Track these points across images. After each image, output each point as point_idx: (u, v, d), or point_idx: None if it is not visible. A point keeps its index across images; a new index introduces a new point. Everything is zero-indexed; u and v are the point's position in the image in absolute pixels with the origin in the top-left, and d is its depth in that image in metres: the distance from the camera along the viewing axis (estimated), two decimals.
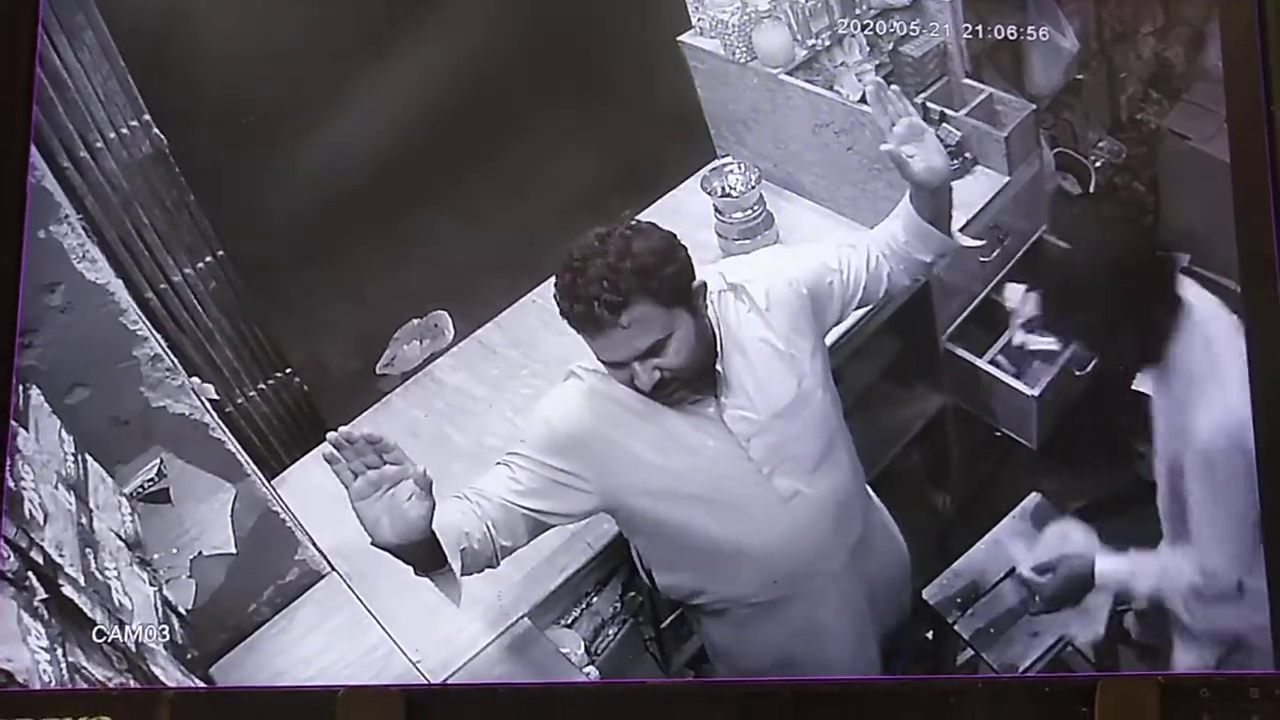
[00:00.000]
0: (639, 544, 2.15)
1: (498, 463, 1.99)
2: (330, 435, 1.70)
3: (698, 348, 1.92)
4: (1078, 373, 2.67)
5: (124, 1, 2.06)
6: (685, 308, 1.89)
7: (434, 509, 1.75)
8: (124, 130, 2.11)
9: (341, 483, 1.72)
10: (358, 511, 1.73)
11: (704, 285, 1.94)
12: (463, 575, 1.87)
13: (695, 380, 1.94)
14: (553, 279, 1.89)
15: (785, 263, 2.09)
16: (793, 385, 2.01)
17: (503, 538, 1.92)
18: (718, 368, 1.97)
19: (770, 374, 2.00)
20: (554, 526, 2.03)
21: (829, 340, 2.18)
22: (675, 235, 1.92)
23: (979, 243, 2.29)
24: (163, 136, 2.14)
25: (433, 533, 1.77)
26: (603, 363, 1.92)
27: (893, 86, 2.05)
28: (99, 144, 2.08)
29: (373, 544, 1.76)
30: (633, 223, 1.91)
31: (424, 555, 1.81)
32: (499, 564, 1.94)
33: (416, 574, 1.85)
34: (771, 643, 2.18)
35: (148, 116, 2.13)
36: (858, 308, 2.17)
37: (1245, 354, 2.13)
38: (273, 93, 2.28)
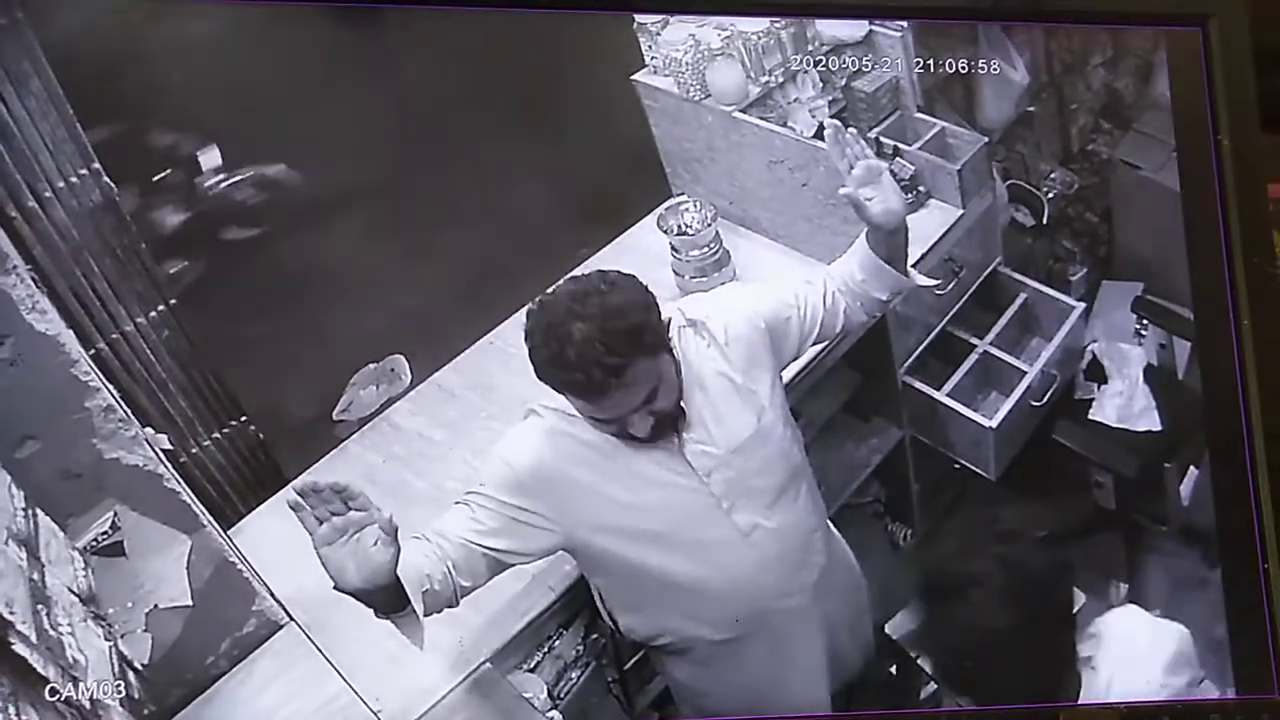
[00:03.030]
0: (600, 584, 2.14)
1: (457, 502, 1.98)
2: (295, 483, 1.70)
3: (678, 385, 1.93)
4: (1034, 404, 2.69)
5: (72, 49, 2.04)
6: (665, 350, 1.89)
7: (399, 554, 1.74)
8: (73, 179, 2.08)
9: (306, 529, 1.71)
10: (322, 557, 1.72)
11: (670, 321, 1.93)
12: (424, 617, 1.86)
13: (666, 417, 1.94)
14: (529, 350, 1.86)
15: (744, 299, 2.09)
16: (752, 420, 2.01)
17: (463, 578, 1.92)
18: (680, 403, 1.96)
19: (729, 409, 2.00)
20: (514, 565, 2.01)
21: (788, 374, 2.19)
22: (638, 278, 1.91)
23: (934, 281, 2.30)
24: (112, 185, 2.12)
25: (397, 577, 1.76)
26: (595, 420, 1.91)
27: (850, 129, 2.06)
28: (47, 193, 2.04)
29: (335, 588, 1.75)
30: (603, 278, 1.88)
31: (387, 599, 1.80)
32: (458, 603, 1.93)
33: (377, 616, 1.84)
34: (735, 681, 2.18)
35: (97, 165, 2.10)
36: (815, 343, 2.17)
37: None
38: (224, 137, 2.26)
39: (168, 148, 2.22)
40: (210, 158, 2.27)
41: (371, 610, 1.83)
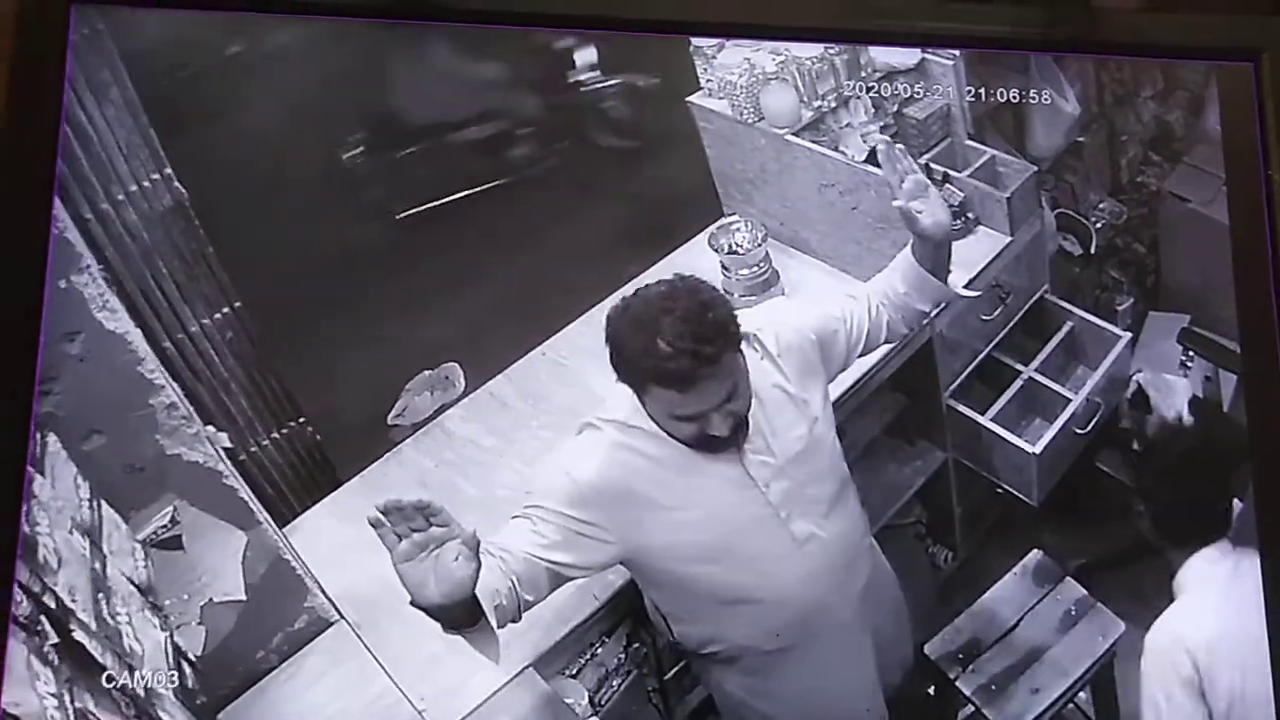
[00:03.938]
0: (655, 594, 2.17)
1: (516, 516, 1.99)
2: (378, 503, 1.70)
3: (750, 390, 1.97)
4: (1078, 431, 2.69)
5: (149, 59, 2.10)
6: (741, 352, 1.94)
7: (480, 569, 1.75)
8: (145, 183, 2.14)
9: (385, 546, 1.71)
10: (400, 573, 1.72)
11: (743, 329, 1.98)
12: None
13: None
14: (613, 350, 1.92)
15: (793, 312, 2.15)
16: (804, 431, 2.04)
17: (526, 592, 1.92)
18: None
19: (783, 420, 2.04)
20: (573, 579, 2.03)
21: (833, 393, 2.22)
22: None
23: (975, 293, 2.34)
24: (183, 190, 2.18)
25: (475, 593, 1.77)
26: (675, 419, 1.94)
27: (898, 145, 2.11)
28: (121, 197, 2.10)
29: (412, 604, 1.75)
30: (681, 279, 1.95)
31: (462, 614, 1.80)
32: (520, 619, 1.94)
33: (446, 631, 1.84)
34: (783, 693, 2.20)
35: (169, 170, 2.16)
36: (859, 355, 2.23)
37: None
38: (292, 146, 2.32)
39: None
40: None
41: (440, 625, 1.83)
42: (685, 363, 1.84)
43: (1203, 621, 2.11)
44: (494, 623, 1.84)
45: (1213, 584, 2.16)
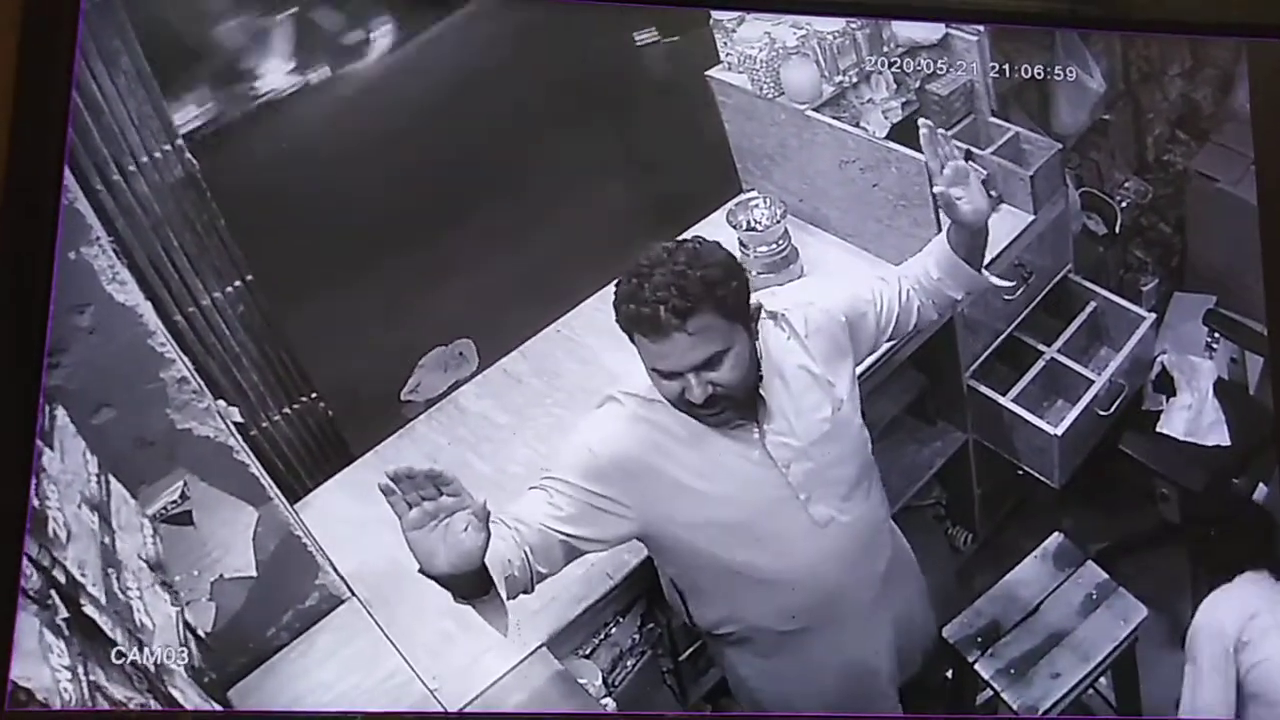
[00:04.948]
0: (671, 571, 2.15)
1: (533, 487, 1.98)
2: (388, 470, 1.68)
3: (750, 368, 1.94)
4: (1101, 413, 2.66)
5: (161, 28, 2.09)
6: (743, 325, 1.91)
7: (489, 539, 1.73)
8: (157, 154, 2.13)
9: (396, 513, 1.70)
10: (410, 542, 1.71)
11: (760, 306, 1.96)
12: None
13: (741, 403, 1.95)
14: (613, 286, 1.91)
15: (822, 292, 2.12)
16: (828, 413, 2.02)
17: (540, 564, 1.91)
18: (760, 392, 1.97)
19: (808, 401, 2.01)
20: (588, 553, 2.01)
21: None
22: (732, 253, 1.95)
23: (1009, 283, 2.30)
24: (195, 161, 2.16)
25: (484, 562, 1.75)
26: (655, 373, 1.91)
27: (940, 130, 2.08)
28: (132, 167, 2.09)
29: (420, 571, 1.74)
30: (699, 239, 1.93)
31: (471, 584, 1.79)
32: (533, 590, 1.93)
33: (456, 600, 1.83)
34: (797, 675, 2.18)
35: (180, 141, 2.15)
36: (888, 340, 2.20)
37: None
38: (305, 121, 2.30)
39: None
40: None
41: (451, 594, 1.81)
42: (660, 313, 1.83)
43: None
44: (504, 593, 1.83)
45: None
